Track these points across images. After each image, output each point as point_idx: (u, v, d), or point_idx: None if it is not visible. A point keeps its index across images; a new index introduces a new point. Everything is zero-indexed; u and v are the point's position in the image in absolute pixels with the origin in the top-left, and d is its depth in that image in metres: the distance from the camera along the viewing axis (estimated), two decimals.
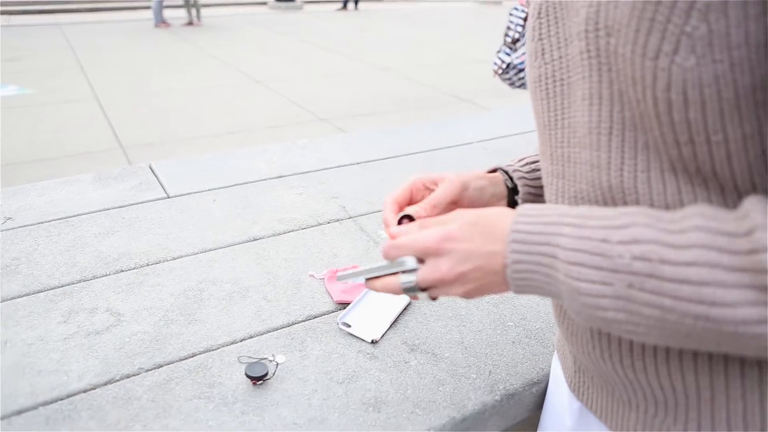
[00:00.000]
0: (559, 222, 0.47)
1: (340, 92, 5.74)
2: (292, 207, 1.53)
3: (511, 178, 0.75)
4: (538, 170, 0.75)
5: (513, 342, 1.02)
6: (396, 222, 0.65)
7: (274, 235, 1.38)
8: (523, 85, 2.59)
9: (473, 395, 0.90)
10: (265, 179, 1.71)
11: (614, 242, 0.43)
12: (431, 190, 0.71)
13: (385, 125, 3.22)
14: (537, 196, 0.75)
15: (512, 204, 0.75)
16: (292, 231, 1.40)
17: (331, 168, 1.81)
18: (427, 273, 0.53)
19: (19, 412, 0.85)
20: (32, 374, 0.92)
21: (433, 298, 0.57)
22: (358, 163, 1.86)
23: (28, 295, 1.12)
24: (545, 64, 0.56)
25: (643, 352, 0.54)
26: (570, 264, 0.45)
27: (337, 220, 1.46)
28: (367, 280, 0.61)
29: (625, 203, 0.49)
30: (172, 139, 4.47)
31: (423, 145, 2.04)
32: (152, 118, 4.92)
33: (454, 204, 0.69)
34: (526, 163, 0.76)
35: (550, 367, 0.95)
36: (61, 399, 0.87)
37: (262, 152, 1.96)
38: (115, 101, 5.36)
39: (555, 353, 0.85)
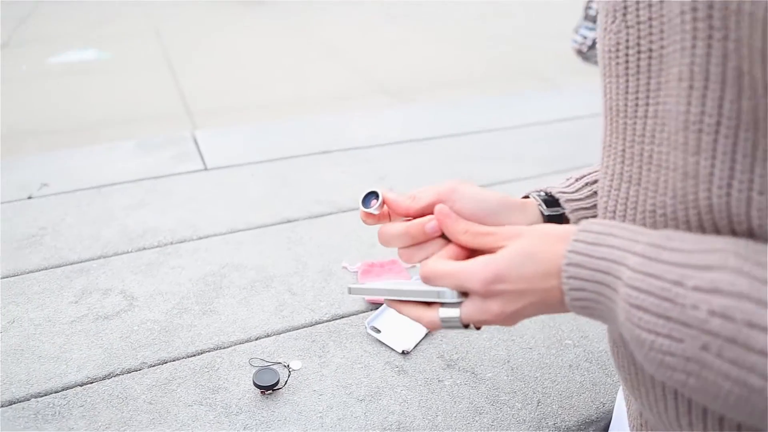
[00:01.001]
0: (626, 248, 0.37)
1: (412, 64, 5.55)
2: (334, 186, 1.40)
3: (554, 201, 0.56)
4: None
5: (570, 366, 0.85)
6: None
7: (309, 217, 1.26)
8: None
9: (516, 430, 0.75)
10: (310, 154, 1.59)
11: (689, 287, 0.32)
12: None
13: (454, 99, 3.03)
14: None
15: None
16: (330, 214, 1.28)
17: (381, 145, 1.67)
18: (473, 313, 0.44)
19: (10, 403, 0.78)
20: (32, 359, 0.85)
21: (477, 328, 0.47)
22: (411, 141, 1.70)
23: (46, 269, 1.07)
24: (627, 27, 0.40)
25: (738, 425, 0.38)
26: (631, 306, 0.35)
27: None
28: (390, 300, 0.50)
29: (732, 232, 0.35)
30: (240, 106, 4.46)
31: (483, 124, 1.85)
32: (223, 85, 4.94)
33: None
34: (585, 184, 0.57)
35: (614, 403, 0.79)
36: (56, 391, 0.80)
37: (312, 124, 1.84)
38: (188, 67, 5.43)
39: (621, 387, 0.68)
